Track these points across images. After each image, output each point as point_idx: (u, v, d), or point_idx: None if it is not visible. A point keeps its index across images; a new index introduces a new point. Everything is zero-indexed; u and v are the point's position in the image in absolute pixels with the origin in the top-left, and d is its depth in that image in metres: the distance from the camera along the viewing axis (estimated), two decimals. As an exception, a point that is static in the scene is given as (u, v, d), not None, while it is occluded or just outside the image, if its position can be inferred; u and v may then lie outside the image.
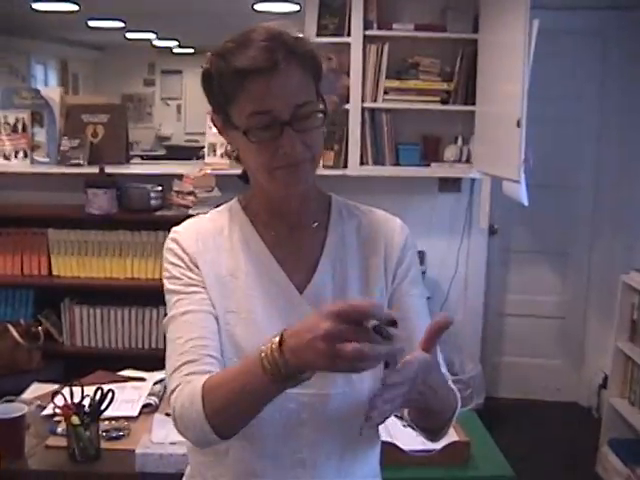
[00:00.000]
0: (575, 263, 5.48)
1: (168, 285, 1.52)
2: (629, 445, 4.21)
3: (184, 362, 1.40)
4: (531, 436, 4.90)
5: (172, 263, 1.52)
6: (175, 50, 12.04)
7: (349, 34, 4.61)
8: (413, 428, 1.53)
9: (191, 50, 11.88)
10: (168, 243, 1.55)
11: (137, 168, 4.84)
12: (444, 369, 1.46)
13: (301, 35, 1.44)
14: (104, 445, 2.47)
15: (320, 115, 1.42)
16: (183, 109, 13.13)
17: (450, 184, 4.98)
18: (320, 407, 1.47)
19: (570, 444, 4.82)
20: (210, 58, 1.44)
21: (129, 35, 9.78)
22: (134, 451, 2.39)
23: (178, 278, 1.50)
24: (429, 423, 1.49)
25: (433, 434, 1.52)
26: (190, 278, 1.49)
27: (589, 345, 5.50)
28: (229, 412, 1.31)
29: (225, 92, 1.42)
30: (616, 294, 4.36)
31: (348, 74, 4.65)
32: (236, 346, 1.46)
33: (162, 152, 11.61)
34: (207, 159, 4.64)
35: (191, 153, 7.15)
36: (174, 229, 1.57)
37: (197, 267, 1.50)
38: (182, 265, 1.50)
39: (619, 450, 4.21)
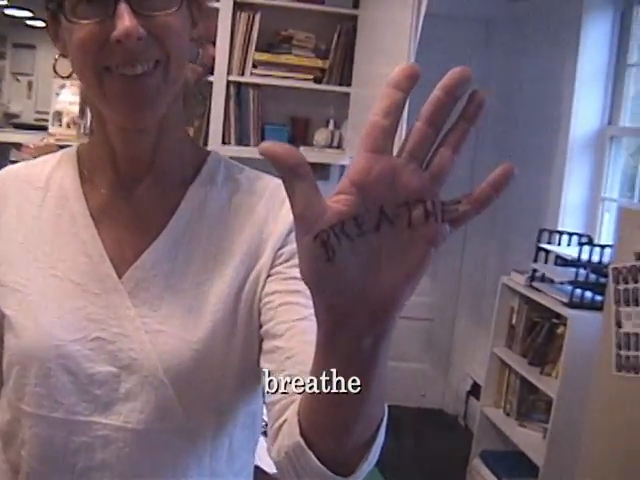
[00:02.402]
0: (446, 262, 5.19)
1: None
2: (503, 458, 3.92)
3: None
4: (396, 446, 4.56)
5: None
6: (28, 22, 11.33)
7: (218, -1, 4.19)
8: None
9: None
10: None
11: (-33, 135, 4.27)
12: None
13: None
14: None
15: None
16: (35, 86, 12.41)
17: (318, 170, 4.62)
18: (129, 446, 1.02)
19: (438, 455, 4.52)
20: None
21: (-25, 0, 9.09)
22: None
23: None
24: (343, 441, 0.80)
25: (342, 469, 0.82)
26: None
27: (457, 350, 5.26)
28: None
29: None
30: (487, 296, 4.07)
31: (214, 43, 4.21)
32: (16, 337, 1.05)
33: (9, 129, 10.93)
34: (51, 129, 4.22)
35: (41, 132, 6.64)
36: None
37: None
38: None
39: (492, 463, 3.91)
